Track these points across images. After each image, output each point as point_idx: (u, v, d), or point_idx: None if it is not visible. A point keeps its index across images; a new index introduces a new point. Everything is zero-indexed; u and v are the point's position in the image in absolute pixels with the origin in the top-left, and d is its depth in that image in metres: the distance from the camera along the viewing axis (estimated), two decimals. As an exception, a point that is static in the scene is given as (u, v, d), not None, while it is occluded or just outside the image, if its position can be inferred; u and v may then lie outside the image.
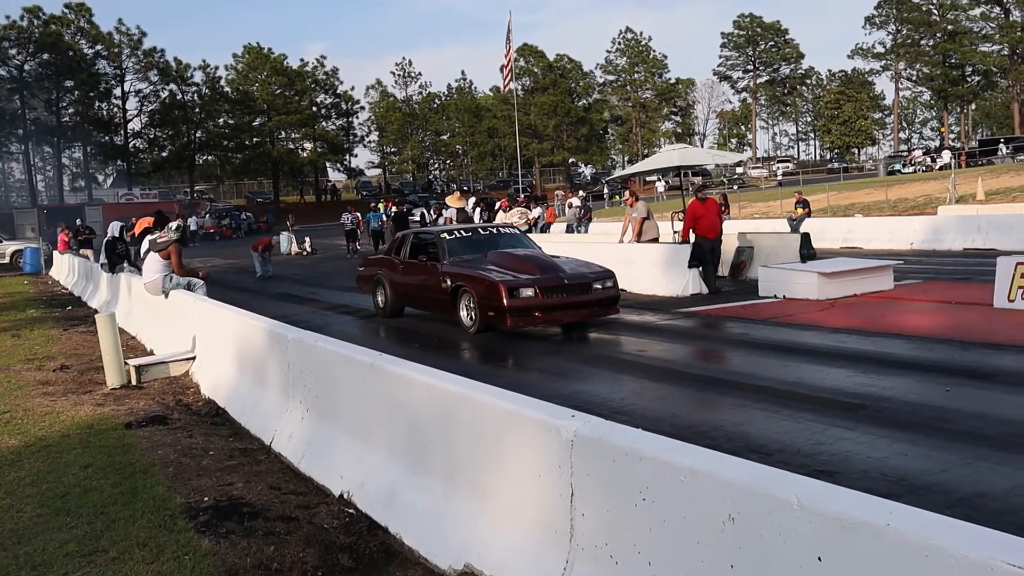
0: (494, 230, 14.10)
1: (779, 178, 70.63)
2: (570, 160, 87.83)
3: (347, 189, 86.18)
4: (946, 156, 59.13)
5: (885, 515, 2.40)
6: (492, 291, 11.21)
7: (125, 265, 15.95)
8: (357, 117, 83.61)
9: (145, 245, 11.69)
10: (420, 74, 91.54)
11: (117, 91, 71.33)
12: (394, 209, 32.86)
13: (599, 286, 11.70)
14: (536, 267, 11.74)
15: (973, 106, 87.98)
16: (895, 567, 2.30)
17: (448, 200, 28.59)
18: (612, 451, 3.36)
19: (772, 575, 2.65)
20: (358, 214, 34.85)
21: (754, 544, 2.72)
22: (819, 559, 2.50)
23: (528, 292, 11.15)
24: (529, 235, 15.93)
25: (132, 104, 72.22)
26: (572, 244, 17.02)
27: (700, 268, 14.77)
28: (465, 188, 54.03)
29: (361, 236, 33.77)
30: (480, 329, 11.56)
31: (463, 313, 11.85)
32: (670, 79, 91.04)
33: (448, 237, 13.02)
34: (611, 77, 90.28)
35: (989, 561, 2.10)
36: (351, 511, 5.16)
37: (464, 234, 13.31)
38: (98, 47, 68.73)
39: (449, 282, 12.04)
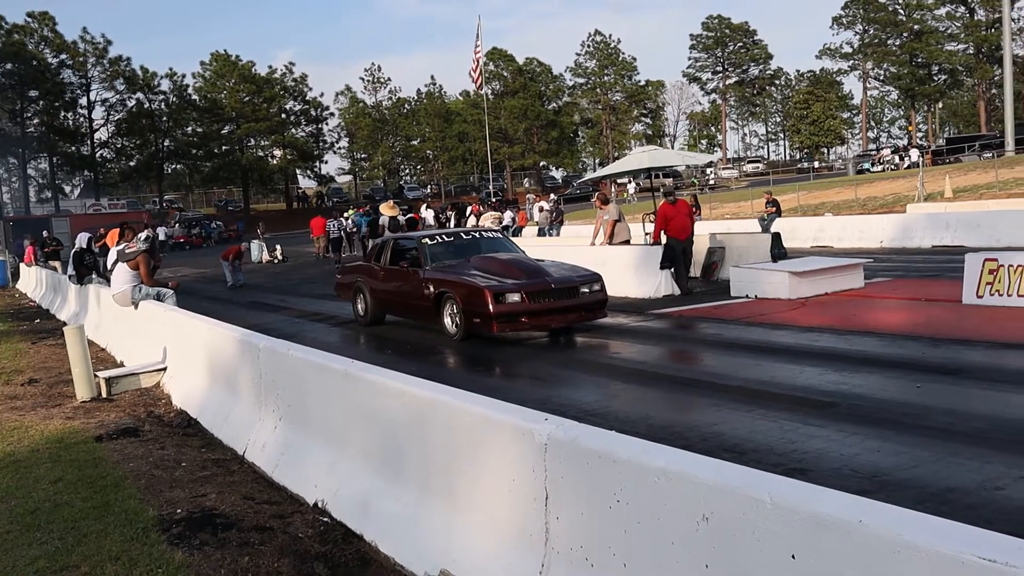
0: (477, 234, 13.91)
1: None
2: (541, 163, 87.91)
3: (318, 196, 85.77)
4: (914, 155, 59.76)
5: (857, 512, 2.42)
6: (478, 297, 11.01)
7: (93, 276, 15.79)
8: (327, 123, 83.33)
9: (113, 256, 11.57)
10: (389, 79, 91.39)
11: (83, 100, 70.73)
12: (366, 218, 32.17)
13: (586, 290, 11.52)
14: (521, 271, 11.55)
15: (940, 105, 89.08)
16: (867, 564, 2.32)
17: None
18: (586, 454, 3.36)
19: (746, 574, 2.66)
20: (346, 219, 33.75)
21: (728, 543, 2.73)
22: (792, 557, 2.51)
23: (515, 297, 10.96)
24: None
25: (98, 113, 71.60)
26: (544, 247, 17.02)
27: (672, 269, 14.82)
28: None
29: (352, 241, 32.86)
30: (465, 336, 11.37)
31: (447, 320, 11.64)
32: (640, 81, 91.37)
33: (430, 242, 12.80)
34: (581, 80, 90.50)
35: (959, 555, 2.11)
36: (326, 519, 5.12)
37: (446, 239, 13.10)
38: (63, 56, 68.00)
39: (432, 288, 11.82)
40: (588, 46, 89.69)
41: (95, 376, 9.59)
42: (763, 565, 2.60)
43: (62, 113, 69.83)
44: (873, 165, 64.33)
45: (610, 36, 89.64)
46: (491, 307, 10.83)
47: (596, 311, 11.76)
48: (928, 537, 2.23)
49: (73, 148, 70.48)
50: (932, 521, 2.34)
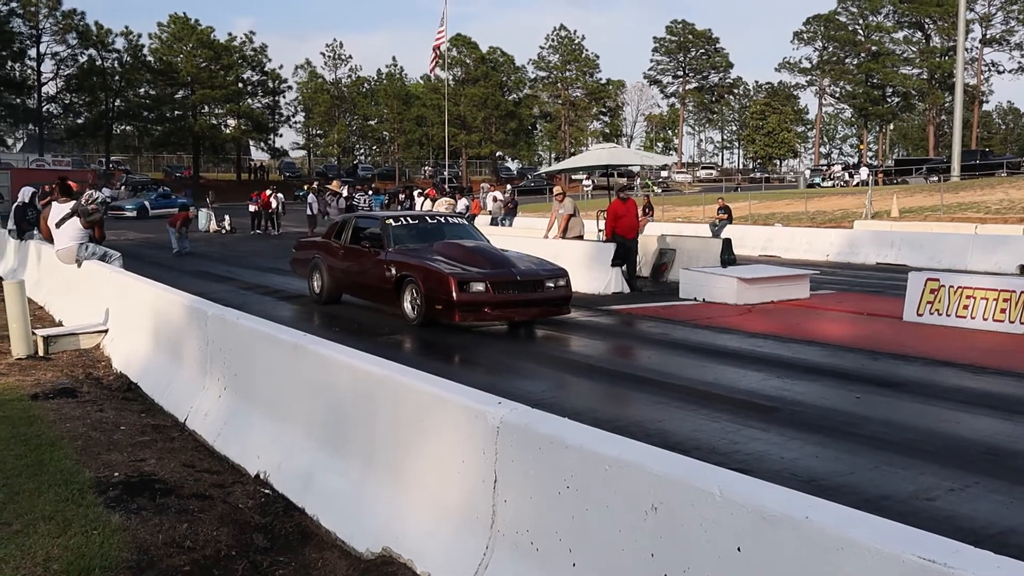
0: (441, 219, 13.63)
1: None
2: (497, 153, 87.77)
3: (271, 169, 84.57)
4: (863, 172, 60.92)
5: (804, 508, 2.48)
6: (441, 283, 10.74)
7: (35, 232, 15.39)
8: (284, 96, 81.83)
9: (60, 211, 11.25)
10: (351, 57, 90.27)
11: (32, 52, 68.50)
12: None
13: (551, 284, 11.31)
14: (487, 260, 11.30)
15: (891, 126, 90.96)
16: (811, 559, 2.38)
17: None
18: (538, 439, 3.38)
19: (692, 564, 2.71)
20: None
21: (675, 534, 2.78)
22: (738, 549, 2.56)
23: (479, 287, 10.71)
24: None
25: (48, 67, 69.19)
26: (497, 237, 16.98)
27: (624, 267, 14.94)
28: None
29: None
30: (424, 322, 11.11)
31: (407, 304, 11.34)
32: (601, 79, 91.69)
33: (394, 224, 12.51)
34: (543, 73, 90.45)
35: (900, 554, 2.19)
36: (267, 491, 5.08)
37: (411, 221, 12.86)
38: (13, 4, 65.73)
39: (394, 271, 11.53)
40: (552, 40, 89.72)
41: (33, 334, 9.37)
42: (709, 556, 2.65)
43: (9, 63, 67.52)
44: (823, 180, 65.46)
45: (574, 32, 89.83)
46: (455, 295, 10.58)
47: (560, 307, 11.55)
48: (871, 536, 2.30)
49: (18, 100, 68.28)
50: (875, 521, 2.41)
